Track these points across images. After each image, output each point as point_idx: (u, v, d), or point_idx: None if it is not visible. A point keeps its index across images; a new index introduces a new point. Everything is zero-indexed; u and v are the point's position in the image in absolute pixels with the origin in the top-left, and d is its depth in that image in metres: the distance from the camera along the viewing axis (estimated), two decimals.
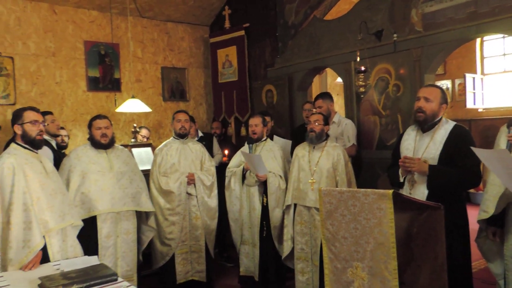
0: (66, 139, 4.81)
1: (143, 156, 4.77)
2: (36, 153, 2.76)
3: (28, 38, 5.70)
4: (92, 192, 3.26)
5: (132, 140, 5.14)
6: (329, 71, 7.40)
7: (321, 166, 3.58)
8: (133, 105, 5.34)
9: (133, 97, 5.50)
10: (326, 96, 4.56)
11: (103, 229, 3.31)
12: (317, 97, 4.58)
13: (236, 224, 4.09)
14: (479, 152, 2.01)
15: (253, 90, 6.52)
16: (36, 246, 2.48)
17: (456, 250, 2.57)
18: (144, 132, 5.64)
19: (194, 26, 7.33)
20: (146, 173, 4.09)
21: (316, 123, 3.63)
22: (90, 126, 3.50)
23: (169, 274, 3.92)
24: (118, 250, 3.39)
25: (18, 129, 2.71)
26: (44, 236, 2.57)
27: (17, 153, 2.65)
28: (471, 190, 7.35)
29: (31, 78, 5.73)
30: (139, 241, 3.66)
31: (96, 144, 3.44)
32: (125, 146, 4.89)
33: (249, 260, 4.06)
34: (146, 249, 4.02)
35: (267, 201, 3.88)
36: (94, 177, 3.31)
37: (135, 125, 5.39)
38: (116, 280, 2.17)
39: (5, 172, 2.52)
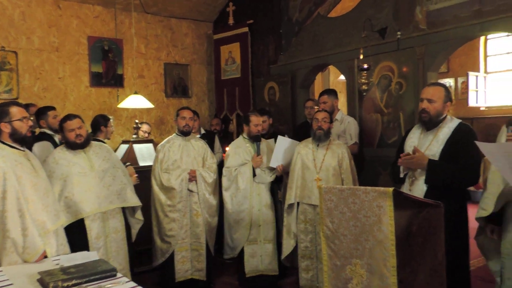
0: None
1: (144, 152, 4.77)
2: (24, 151, 2.64)
3: (32, 33, 5.71)
4: (76, 194, 3.16)
5: (134, 136, 5.15)
6: (332, 68, 7.38)
7: (327, 164, 3.57)
8: (135, 101, 5.35)
9: (135, 93, 5.50)
10: (331, 92, 4.54)
11: (93, 231, 3.23)
12: (322, 93, 4.56)
13: (240, 224, 3.97)
14: (483, 146, 1.99)
15: (256, 87, 6.51)
16: (37, 251, 2.45)
17: (455, 248, 2.56)
18: (145, 127, 5.64)
19: (198, 23, 7.32)
20: (148, 169, 4.10)
21: (324, 121, 3.63)
22: (61, 128, 3.31)
23: (169, 272, 3.91)
24: (109, 250, 3.33)
25: (6, 128, 2.54)
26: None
27: (4, 154, 2.50)
28: (471, 188, 7.31)
29: (34, 73, 5.75)
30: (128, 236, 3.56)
31: (71, 145, 3.28)
32: (127, 142, 4.90)
33: (255, 259, 4.00)
34: (146, 245, 4.03)
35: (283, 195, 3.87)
36: (76, 179, 3.19)
37: (137, 121, 5.39)
38: (115, 275, 2.16)
39: None
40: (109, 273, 2.15)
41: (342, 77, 6.89)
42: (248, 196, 3.94)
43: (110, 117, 3.83)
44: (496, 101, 8.31)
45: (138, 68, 6.60)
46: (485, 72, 8.48)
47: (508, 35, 7.67)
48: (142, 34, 6.69)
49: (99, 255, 3.18)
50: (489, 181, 2.47)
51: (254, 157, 3.94)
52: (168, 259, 3.89)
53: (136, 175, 3.69)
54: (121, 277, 2.16)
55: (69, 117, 3.30)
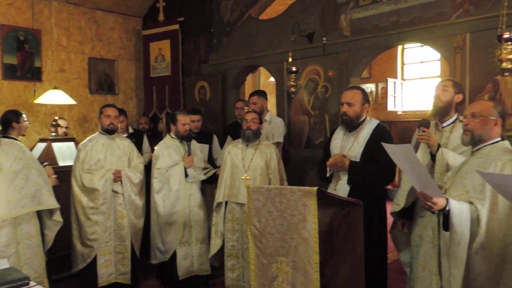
0: None
1: (64, 151, 4.47)
2: None
3: None
4: None
5: (53, 133, 4.80)
6: (262, 70, 7.51)
7: (255, 164, 3.62)
8: (55, 97, 4.99)
9: (55, 88, 5.15)
10: (261, 93, 4.63)
11: (1, 238, 2.95)
12: (252, 94, 4.64)
13: (173, 227, 3.86)
14: (387, 147, 2.13)
15: (186, 85, 6.41)
16: None
17: (373, 242, 2.74)
18: (61, 122, 5.23)
19: (126, 17, 7.03)
20: (69, 170, 3.85)
21: (253, 122, 3.67)
22: None
23: (90, 277, 3.70)
24: (22, 257, 3.07)
25: None
26: None
27: None
28: (388, 187, 7.85)
29: None
30: (44, 238, 3.31)
31: None
32: (45, 140, 4.56)
33: (188, 261, 3.93)
34: (65, 250, 3.78)
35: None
36: None
37: (56, 118, 5.03)
38: (28, 284, 2.01)
39: None
40: (21, 282, 2.00)
41: (272, 78, 7.04)
42: (180, 197, 3.87)
43: (23, 112, 3.53)
44: (411, 106, 9.03)
45: (58, 62, 6.17)
46: (402, 79, 9.18)
47: (421, 46, 8.37)
48: (63, 26, 6.26)
49: (10, 263, 2.91)
50: (402, 179, 2.69)
51: (185, 157, 3.88)
52: (89, 264, 3.69)
53: (55, 175, 3.44)
54: (35, 285, 2.01)
55: None
